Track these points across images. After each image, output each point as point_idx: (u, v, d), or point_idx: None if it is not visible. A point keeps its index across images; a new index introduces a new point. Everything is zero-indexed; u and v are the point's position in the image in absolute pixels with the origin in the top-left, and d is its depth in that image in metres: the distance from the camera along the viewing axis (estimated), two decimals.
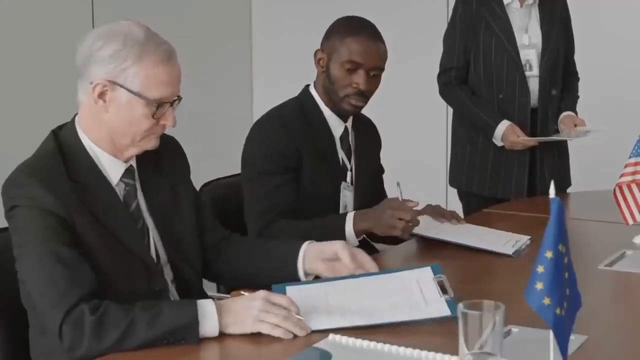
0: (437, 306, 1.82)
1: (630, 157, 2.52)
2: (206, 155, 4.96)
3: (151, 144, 1.89)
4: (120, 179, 1.89)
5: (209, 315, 1.69)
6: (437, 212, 2.61)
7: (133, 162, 1.93)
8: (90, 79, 1.81)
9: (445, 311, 1.79)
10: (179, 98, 1.87)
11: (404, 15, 5.23)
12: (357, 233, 2.40)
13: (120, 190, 1.89)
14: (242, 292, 1.91)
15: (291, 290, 1.92)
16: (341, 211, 2.55)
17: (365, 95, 2.49)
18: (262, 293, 1.76)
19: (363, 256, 2.02)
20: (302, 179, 2.47)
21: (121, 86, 1.79)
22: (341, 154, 2.57)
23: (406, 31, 5.21)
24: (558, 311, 1.34)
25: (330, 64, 2.49)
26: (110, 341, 1.64)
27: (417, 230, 2.41)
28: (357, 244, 2.38)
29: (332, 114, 2.55)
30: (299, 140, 2.46)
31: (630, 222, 2.52)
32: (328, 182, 2.52)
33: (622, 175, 2.51)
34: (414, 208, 2.37)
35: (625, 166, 2.52)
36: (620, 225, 2.54)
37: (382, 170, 2.84)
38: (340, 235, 2.35)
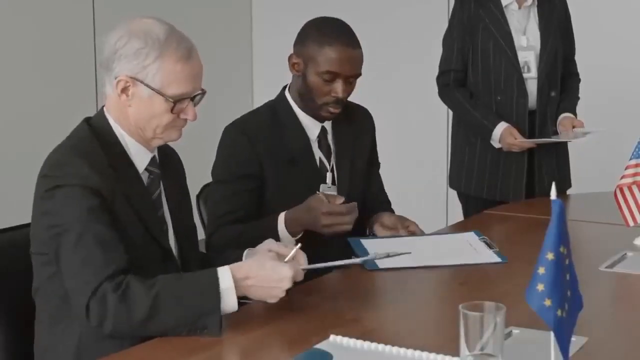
0: (488, 255, 2.30)
1: (630, 158, 2.52)
2: (206, 155, 4.95)
3: (174, 136, 1.94)
4: (145, 168, 1.94)
5: (227, 296, 1.75)
6: (396, 225, 2.49)
7: (156, 153, 1.99)
8: (115, 74, 1.87)
9: (496, 258, 2.28)
10: (203, 93, 1.94)
11: (404, 15, 5.23)
12: (293, 234, 2.34)
13: (144, 178, 1.94)
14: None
15: (366, 242, 2.36)
16: None
17: (342, 102, 2.44)
18: (289, 273, 1.78)
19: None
20: (269, 187, 2.43)
21: (142, 83, 1.85)
22: (319, 155, 2.51)
23: (406, 32, 5.21)
24: (559, 312, 1.33)
25: (307, 71, 2.42)
26: (138, 318, 1.69)
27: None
28: (294, 242, 2.27)
29: (307, 116, 2.49)
30: (260, 148, 2.42)
31: (631, 223, 2.51)
32: (302, 186, 2.43)
33: (622, 177, 2.51)
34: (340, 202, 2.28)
35: (626, 168, 2.51)
36: (621, 227, 2.54)
37: (375, 164, 2.70)
38: (274, 236, 2.27)
